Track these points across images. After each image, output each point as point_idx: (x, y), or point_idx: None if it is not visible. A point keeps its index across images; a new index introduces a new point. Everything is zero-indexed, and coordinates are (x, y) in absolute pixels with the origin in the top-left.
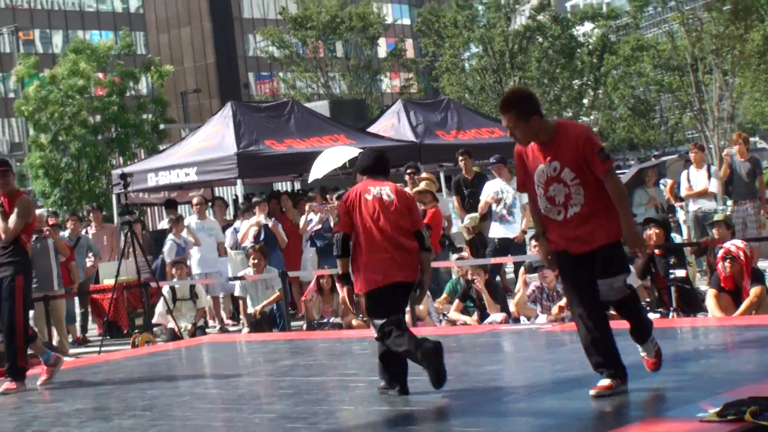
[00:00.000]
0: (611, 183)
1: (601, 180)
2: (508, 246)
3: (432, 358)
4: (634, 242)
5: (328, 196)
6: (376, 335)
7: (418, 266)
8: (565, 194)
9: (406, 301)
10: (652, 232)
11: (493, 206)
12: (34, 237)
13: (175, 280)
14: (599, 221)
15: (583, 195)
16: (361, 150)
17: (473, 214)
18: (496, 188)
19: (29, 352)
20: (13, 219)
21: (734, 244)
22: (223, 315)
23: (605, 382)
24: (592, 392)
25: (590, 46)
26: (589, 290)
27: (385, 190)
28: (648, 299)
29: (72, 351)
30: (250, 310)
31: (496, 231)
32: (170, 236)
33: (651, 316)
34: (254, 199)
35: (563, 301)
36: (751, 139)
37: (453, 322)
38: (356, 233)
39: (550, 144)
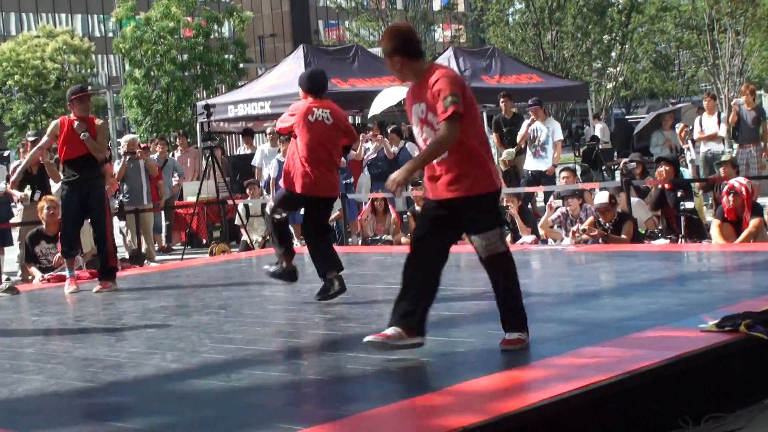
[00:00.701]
0: (443, 128)
1: (467, 127)
2: (540, 177)
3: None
4: (396, 181)
5: (388, 129)
6: (274, 218)
7: (337, 185)
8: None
9: (314, 211)
10: (662, 169)
11: (527, 142)
12: (127, 158)
13: (248, 198)
14: (463, 171)
15: None
16: None
17: (510, 150)
18: (532, 127)
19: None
20: (101, 140)
21: (738, 181)
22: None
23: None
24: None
25: (620, 6)
26: (433, 240)
27: (325, 113)
28: (660, 227)
29: (158, 257)
30: None
31: (530, 164)
32: (278, 155)
33: (661, 242)
34: None
35: (584, 225)
36: (757, 92)
37: None
38: (301, 142)
39: (420, 85)
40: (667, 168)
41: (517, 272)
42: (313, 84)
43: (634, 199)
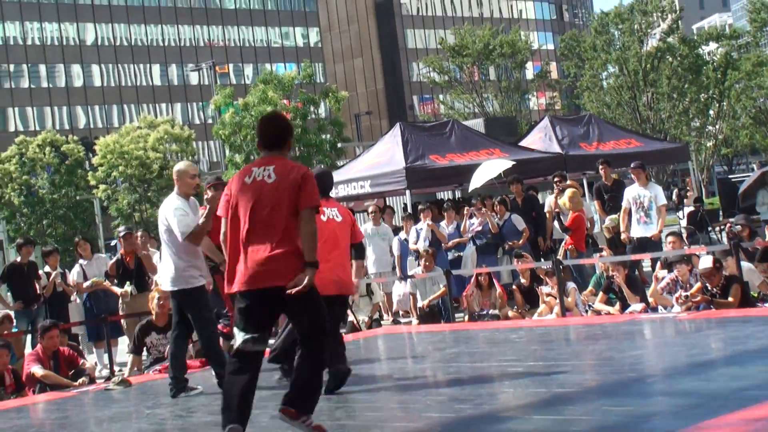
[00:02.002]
0: None
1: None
2: (646, 244)
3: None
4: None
5: (486, 202)
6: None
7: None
8: None
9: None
10: None
11: (632, 209)
12: None
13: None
14: None
15: None
16: (514, 162)
17: (613, 216)
18: (634, 193)
19: None
20: None
21: None
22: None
23: None
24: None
25: (715, 63)
26: None
27: (334, 211)
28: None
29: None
30: (420, 304)
31: (635, 231)
32: (401, 234)
33: None
34: (419, 207)
35: (689, 292)
36: None
37: (598, 312)
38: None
39: None
40: None
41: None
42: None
43: (745, 265)
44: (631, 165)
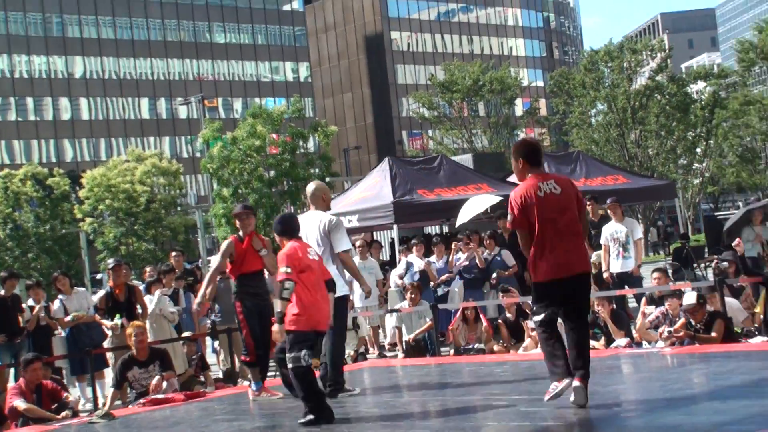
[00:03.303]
0: None
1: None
2: (626, 278)
3: None
4: None
5: (473, 237)
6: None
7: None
8: None
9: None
10: None
11: (611, 245)
12: (219, 277)
13: None
14: None
15: None
16: (502, 197)
17: (599, 252)
18: (611, 230)
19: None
20: (273, 255)
21: None
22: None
23: None
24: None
25: (703, 102)
26: None
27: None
28: (756, 325)
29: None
30: (406, 337)
31: (615, 266)
32: (410, 257)
33: (758, 340)
34: (413, 241)
35: (672, 327)
36: None
37: None
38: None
39: None
40: None
41: None
42: (278, 225)
43: (730, 301)
44: (608, 201)
